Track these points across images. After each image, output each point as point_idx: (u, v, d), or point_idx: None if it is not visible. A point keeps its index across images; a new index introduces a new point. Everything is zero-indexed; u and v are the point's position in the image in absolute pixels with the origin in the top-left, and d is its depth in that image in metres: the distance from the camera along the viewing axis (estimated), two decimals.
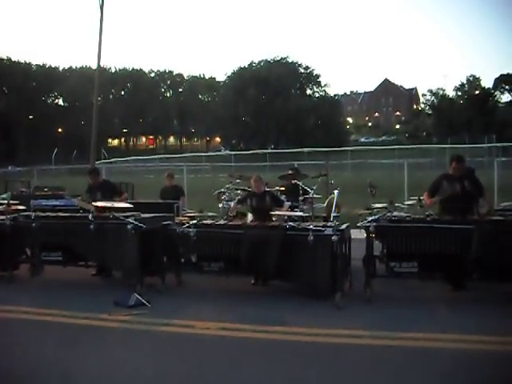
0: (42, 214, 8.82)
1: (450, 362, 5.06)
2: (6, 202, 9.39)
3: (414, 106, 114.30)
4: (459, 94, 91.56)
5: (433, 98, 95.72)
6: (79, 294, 8.11)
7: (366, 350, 5.45)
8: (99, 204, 8.50)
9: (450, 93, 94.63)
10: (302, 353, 5.44)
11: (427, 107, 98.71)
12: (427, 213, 7.51)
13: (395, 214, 7.61)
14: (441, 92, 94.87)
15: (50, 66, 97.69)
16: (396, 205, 8.10)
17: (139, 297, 7.17)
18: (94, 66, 43.60)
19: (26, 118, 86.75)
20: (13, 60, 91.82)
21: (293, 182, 10.40)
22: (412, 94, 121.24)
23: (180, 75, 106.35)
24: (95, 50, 32.82)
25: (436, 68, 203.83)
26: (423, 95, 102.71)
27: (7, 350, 5.64)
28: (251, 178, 9.11)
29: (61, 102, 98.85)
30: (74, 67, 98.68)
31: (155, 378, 4.90)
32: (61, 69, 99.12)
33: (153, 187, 14.64)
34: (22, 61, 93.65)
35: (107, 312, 6.79)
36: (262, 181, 9.06)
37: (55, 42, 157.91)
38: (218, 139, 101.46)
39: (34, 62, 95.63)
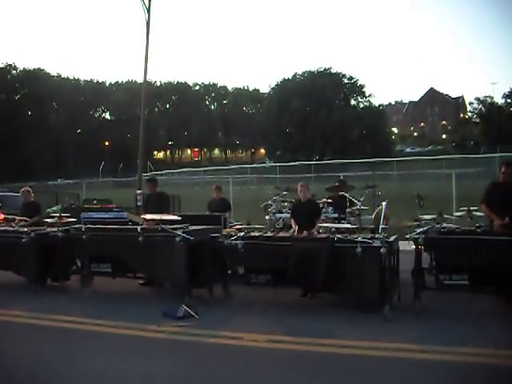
0: (92, 227, 8.97)
1: (504, 379, 4.95)
2: (57, 214, 9.66)
3: (461, 115, 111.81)
4: (508, 101, 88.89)
5: (480, 106, 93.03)
6: (128, 304, 8.24)
7: (415, 363, 5.35)
8: (148, 217, 8.63)
9: (499, 100, 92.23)
10: (350, 366, 5.38)
11: (474, 116, 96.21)
12: (477, 224, 7.35)
13: (444, 225, 7.48)
14: (489, 100, 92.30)
15: (98, 81, 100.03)
16: (445, 216, 7.97)
17: (187, 308, 7.23)
18: (140, 80, 44.54)
19: (75, 132, 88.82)
20: (62, 76, 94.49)
21: (340, 193, 10.36)
22: (458, 102, 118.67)
23: (224, 88, 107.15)
24: (140, 64, 33.40)
25: (483, 76, 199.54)
26: (470, 103, 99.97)
27: (60, 357, 5.74)
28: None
29: (107, 115, 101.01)
30: (120, 81, 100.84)
31: None
32: (107, 83, 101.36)
33: (199, 199, 14.79)
34: (71, 76, 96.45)
35: (156, 323, 6.87)
36: (309, 189, 9.05)
37: (102, 57, 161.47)
38: (262, 151, 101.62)
39: (82, 78, 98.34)
